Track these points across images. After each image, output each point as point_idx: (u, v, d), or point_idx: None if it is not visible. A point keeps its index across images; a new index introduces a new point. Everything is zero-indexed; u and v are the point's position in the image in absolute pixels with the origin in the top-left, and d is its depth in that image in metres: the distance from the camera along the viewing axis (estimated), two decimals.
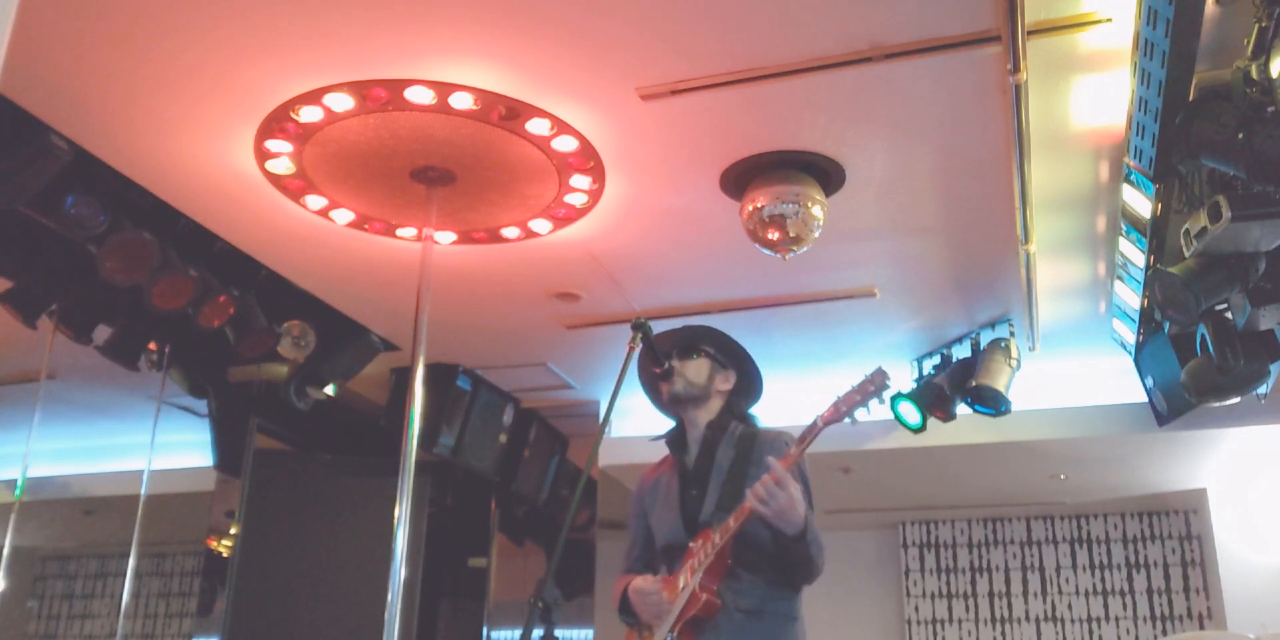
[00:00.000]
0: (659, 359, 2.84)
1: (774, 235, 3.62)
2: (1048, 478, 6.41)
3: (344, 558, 5.40)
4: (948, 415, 5.05)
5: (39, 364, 4.99)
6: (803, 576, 2.72)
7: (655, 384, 2.95)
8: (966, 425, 5.20)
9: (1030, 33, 2.86)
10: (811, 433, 2.65)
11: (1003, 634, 7.20)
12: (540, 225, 4.00)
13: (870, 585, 7.58)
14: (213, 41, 2.98)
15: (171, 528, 5.91)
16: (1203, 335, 3.67)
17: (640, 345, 2.77)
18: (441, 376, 5.49)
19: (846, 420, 2.66)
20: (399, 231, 4.07)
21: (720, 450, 2.84)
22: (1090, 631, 7.03)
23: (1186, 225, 3.03)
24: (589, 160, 3.54)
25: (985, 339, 4.95)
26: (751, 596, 2.68)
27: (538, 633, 2.29)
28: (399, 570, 3.36)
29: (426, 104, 3.22)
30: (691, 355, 2.92)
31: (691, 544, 2.72)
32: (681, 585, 2.66)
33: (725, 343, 2.97)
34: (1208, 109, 2.64)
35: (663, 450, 3.03)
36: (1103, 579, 7.14)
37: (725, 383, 2.94)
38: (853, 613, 7.48)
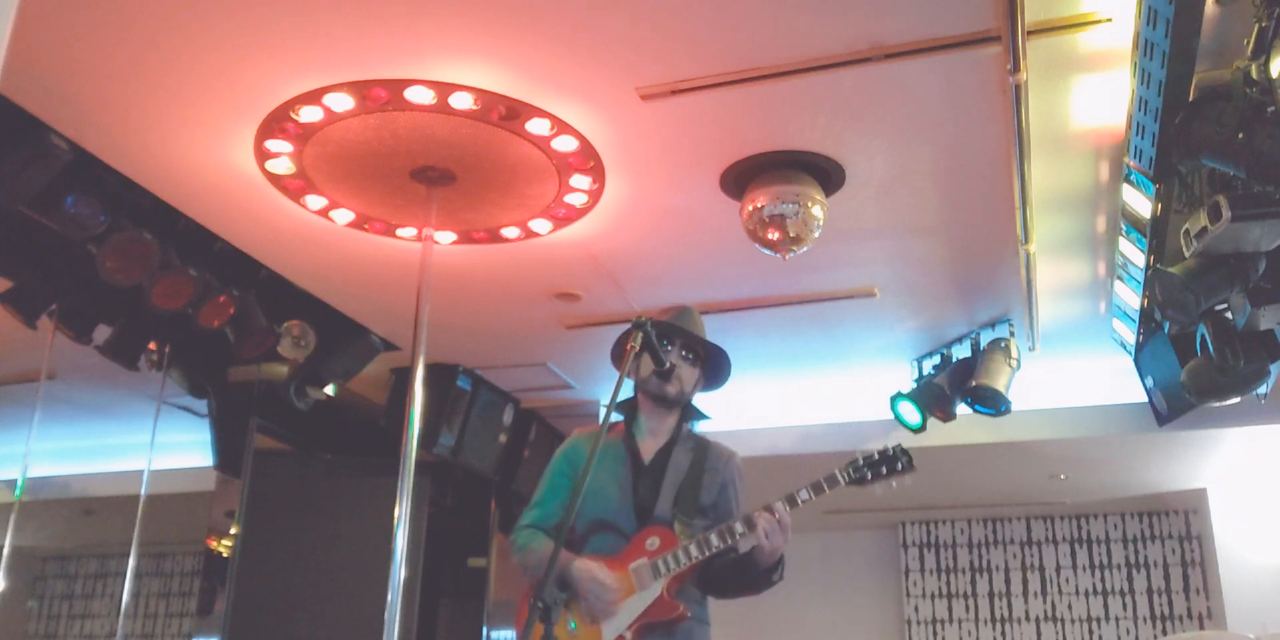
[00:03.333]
0: (659, 358, 2.83)
1: (774, 235, 3.62)
2: (1048, 478, 6.41)
3: (344, 558, 5.40)
4: (948, 415, 5.05)
5: (39, 364, 4.99)
6: (733, 594, 2.81)
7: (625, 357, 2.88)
8: (966, 425, 5.20)
9: (1030, 33, 2.87)
10: (832, 485, 2.74)
11: (1003, 634, 7.20)
12: (540, 225, 3.99)
13: (870, 585, 7.59)
14: (213, 41, 2.98)
15: (171, 528, 5.91)
16: (1203, 335, 3.67)
17: (640, 345, 2.75)
18: (441, 376, 5.48)
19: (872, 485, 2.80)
20: (399, 231, 4.07)
21: (677, 450, 2.89)
22: (1090, 631, 7.03)
23: (1186, 225, 3.03)
24: (589, 160, 3.54)
25: (985, 339, 4.95)
26: (689, 601, 2.75)
27: None
28: (399, 570, 3.36)
29: (426, 104, 3.22)
30: (691, 359, 2.93)
31: (645, 540, 2.74)
32: (636, 583, 2.69)
33: (721, 359, 2.98)
34: (1208, 109, 2.64)
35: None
36: (1103, 579, 7.14)
37: (694, 391, 2.99)
38: (853, 613, 7.49)
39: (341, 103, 3.22)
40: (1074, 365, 5.42)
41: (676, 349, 2.92)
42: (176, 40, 2.97)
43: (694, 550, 2.67)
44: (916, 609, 7.40)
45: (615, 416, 2.98)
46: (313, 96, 3.20)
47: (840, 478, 2.75)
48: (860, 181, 3.71)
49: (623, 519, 2.79)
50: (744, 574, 2.70)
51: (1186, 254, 3.09)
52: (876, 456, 2.77)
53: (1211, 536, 6.42)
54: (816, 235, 3.66)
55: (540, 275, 4.51)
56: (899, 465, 2.76)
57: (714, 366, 2.99)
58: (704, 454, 2.88)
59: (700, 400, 3.05)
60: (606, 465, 2.88)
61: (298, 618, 5.28)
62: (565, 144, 3.43)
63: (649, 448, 2.91)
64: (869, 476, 2.76)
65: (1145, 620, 6.95)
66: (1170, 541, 7.09)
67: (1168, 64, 2.59)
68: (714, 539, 2.66)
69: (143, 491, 5.21)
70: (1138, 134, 2.92)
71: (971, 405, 4.98)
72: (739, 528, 2.65)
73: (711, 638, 2.82)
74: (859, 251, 4.28)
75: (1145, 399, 5.02)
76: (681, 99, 3.21)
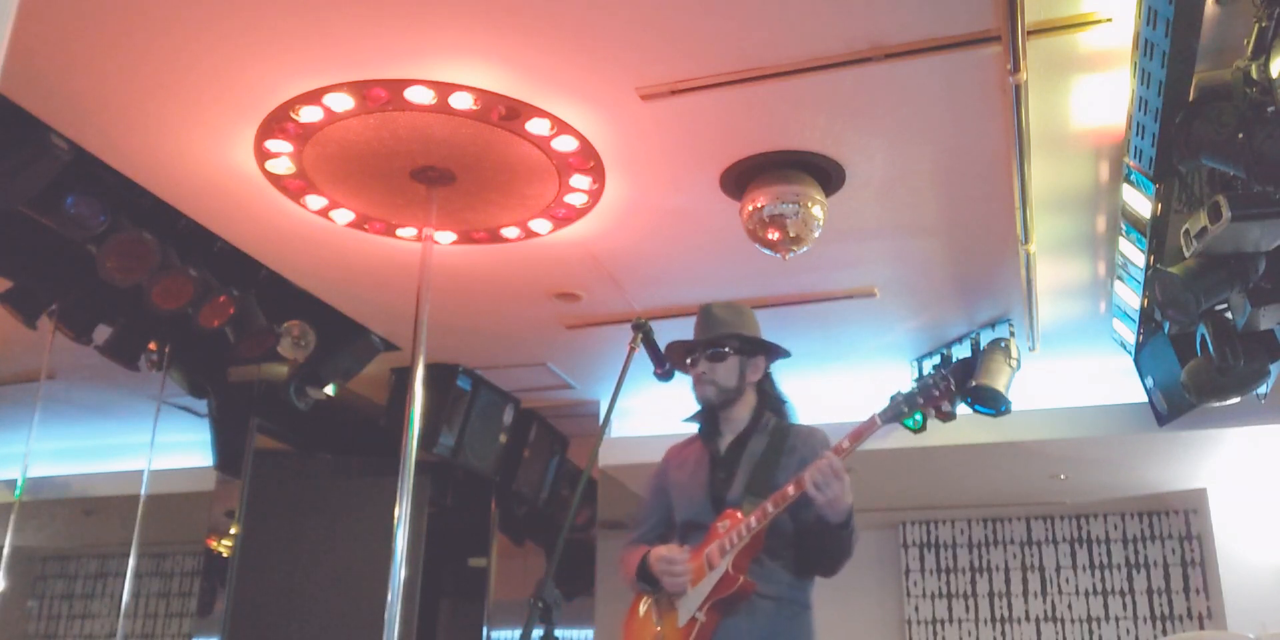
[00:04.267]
0: (660, 359, 2.84)
1: (774, 235, 3.62)
2: (1048, 478, 6.41)
3: (344, 558, 5.40)
4: (948, 415, 5.05)
5: (39, 364, 4.99)
6: (832, 565, 2.74)
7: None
8: (966, 425, 5.20)
9: (1030, 33, 2.86)
10: (869, 428, 2.62)
11: (1003, 634, 7.20)
12: (540, 225, 3.99)
13: (870, 585, 7.58)
14: (213, 41, 2.98)
15: (171, 528, 5.91)
16: (1203, 335, 3.67)
17: (640, 345, 2.77)
18: (441, 376, 5.48)
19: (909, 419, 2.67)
20: (399, 231, 4.07)
21: (754, 439, 2.85)
22: (1090, 631, 7.03)
23: (1186, 225, 3.03)
24: (589, 160, 3.54)
25: (985, 339, 4.95)
26: (775, 583, 2.69)
27: (538, 633, 2.28)
28: (399, 570, 3.36)
29: (426, 104, 3.22)
30: (723, 354, 2.86)
31: (719, 524, 2.70)
32: (708, 565, 2.65)
33: (750, 335, 2.91)
34: (1208, 109, 2.64)
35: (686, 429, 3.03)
36: (1103, 579, 7.14)
37: (756, 373, 2.90)
38: (853, 613, 7.48)
39: (341, 103, 3.22)
40: (1074, 365, 5.42)
41: (703, 355, 2.86)
42: (177, 40, 2.97)
43: (753, 522, 2.62)
44: (916, 609, 7.39)
45: (693, 426, 2.98)
46: (313, 96, 3.20)
47: (880, 420, 2.62)
48: (860, 181, 3.71)
49: (704, 514, 2.77)
50: (825, 539, 2.65)
51: (1186, 254, 3.08)
52: (913, 386, 2.65)
53: (1211, 536, 6.42)
54: (816, 235, 3.66)
55: (540, 275, 4.51)
56: (935, 391, 2.60)
57: (748, 343, 2.90)
58: (783, 436, 2.82)
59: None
60: (691, 468, 2.89)
61: (298, 618, 5.28)
62: (565, 144, 3.43)
63: (726, 442, 2.88)
64: (905, 409, 2.63)
65: (1145, 620, 6.95)
66: (1170, 541, 7.08)
67: (1168, 64, 2.58)
68: (769, 506, 2.61)
69: (143, 491, 5.20)
70: (1138, 134, 2.92)
71: (971, 405, 4.98)
72: (790, 489, 2.59)
73: (813, 623, 2.76)
74: (859, 251, 4.28)
75: (1145, 399, 5.02)
76: (681, 99, 3.21)
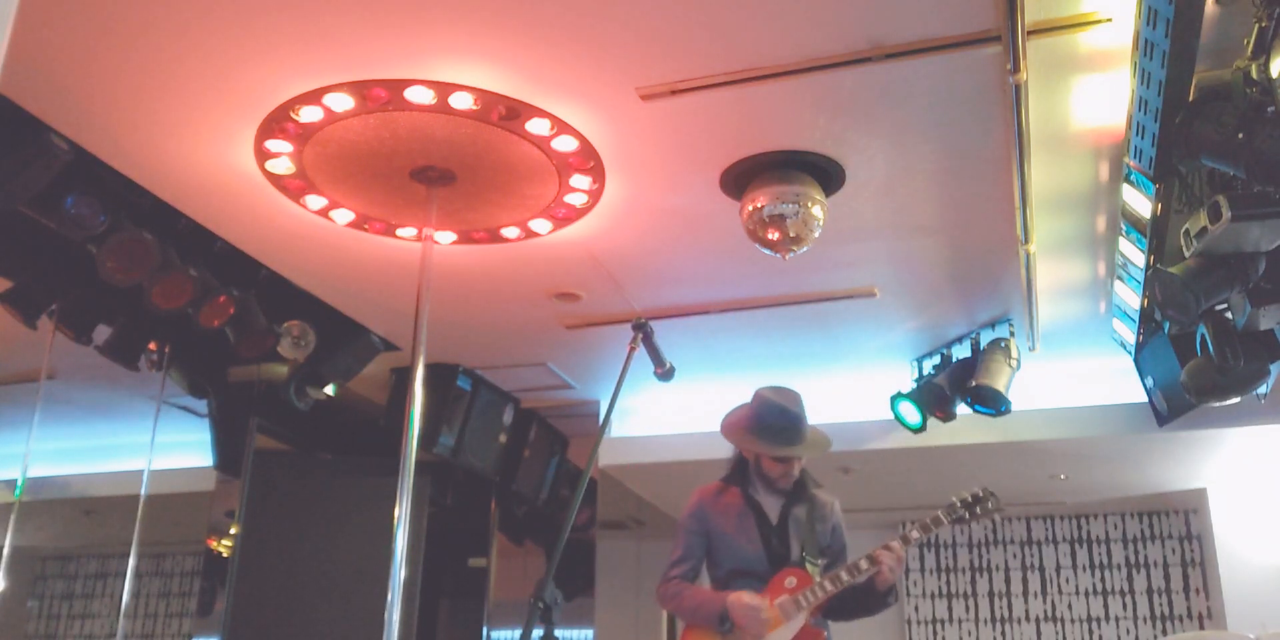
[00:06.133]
0: (660, 358, 2.91)
1: (774, 235, 3.62)
2: (1048, 478, 6.41)
3: (344, 558, 5.40)
4: (948, 415, 5.05)
5: (39, 364, 4.99)
6: (858, 616, 3.27)
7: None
8: (966, 425, 5.20)
9: (1030, 33, 2.87)
10: (936, 525, 3.28)
11: (1003, 634, 7.20)
12: (540, 225, 3.99)
13: None
14: (213, 41, 2.98)
15: (171, 528, 5.91)
16: (1203, 335, 3.67)
17: (640, 345, 2.80)
18: (441, 376, 5.48)
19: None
20: (399, 231, 4.07)
21: (795, 508, 3.32)
22: (1090, 631, 7.03)
23: (1186, 225, 3.03)
24: (589, 160, 3.54)
25: (985, 339, 4.95)
26: (819, 627, 3.19)
27: (538, 633, 2.30)
28: (399, 570, 3.36)
29: (426, 104, 3.22)
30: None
31: (784, 579, 3.16)
32: (783, 615, 3.10)
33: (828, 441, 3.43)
34: (1208, 109, 2.64)
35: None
36: (1103, 579, 7.14)
37: None
38: None
39: (341, 103, 3.22)
40: (1074, 365, 5.42)
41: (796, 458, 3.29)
42: (178, 40, 2.97)
43: (829, 585, 3.12)
44: (916, 609, 7.40)
45: (726, 479, 3.41)
46: (313, 96, 3.20)
47: (944, 518, 3.28)
48: (860, 181, 3.71)
49: (759, 566, 3.22)
50: (866, 600, 3.19)
51: (1186, 254, 3.08)
52: (970, 499, 3.29)
53: (1211, 536, 6.42)
54: (816, 235, 3.66)
55: (540, 275, 4.51)
56: (989, 504, 3.28)
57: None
58: (814, 505, 3.34)
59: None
60: (735, 521, 3.29)
61: (298, 618, 5.28)
62: (565, 144, 3.43)
63: (769, 505, 3.32)
64: (966, 516, 3.28)
65: (1145, 620, 6.95)
66: (1170, 541, 7.08)
67: (1168, 64, 2.59)
68: (844, 575, 3.13)
69: (143, 491, 5.20)
70: (1138, 134, 2.92)
71: (971, 405, 4.98)
72: (864, 564, 3.12)
73: None
74: (859, 251, 4.28)
75: (1145, 399, 5.02)
76: (681, 99, 3.21)
